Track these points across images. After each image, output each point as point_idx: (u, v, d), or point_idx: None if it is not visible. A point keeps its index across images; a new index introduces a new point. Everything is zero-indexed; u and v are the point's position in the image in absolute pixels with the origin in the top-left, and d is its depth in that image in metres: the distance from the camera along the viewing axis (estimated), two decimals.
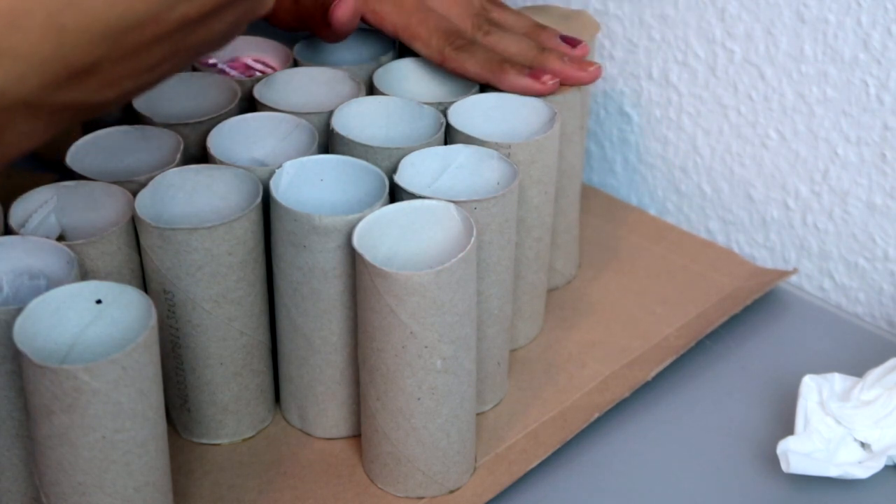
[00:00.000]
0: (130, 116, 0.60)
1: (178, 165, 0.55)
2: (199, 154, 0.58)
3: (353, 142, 0.56)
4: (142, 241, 0.52)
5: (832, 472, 0.53)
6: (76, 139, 0.57)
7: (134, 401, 0.44)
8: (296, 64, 0.65)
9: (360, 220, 0.50)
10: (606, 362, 0.61)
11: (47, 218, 0.52)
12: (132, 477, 0.45)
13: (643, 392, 0.60)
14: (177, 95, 0.61)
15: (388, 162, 0.55)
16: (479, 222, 0.52)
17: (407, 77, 0.63)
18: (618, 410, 0.59)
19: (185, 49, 0.40)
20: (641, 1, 0.73)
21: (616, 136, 0.79)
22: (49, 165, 0.65)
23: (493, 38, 0.62)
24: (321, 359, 0.55)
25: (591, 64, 0.61)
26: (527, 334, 0.63)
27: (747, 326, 0.65)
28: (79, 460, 0.44)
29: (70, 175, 0.54)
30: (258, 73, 0.65)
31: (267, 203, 0.53)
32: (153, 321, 0.44)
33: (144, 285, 0.53)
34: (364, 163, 0.54)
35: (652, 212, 0.78)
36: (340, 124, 0.57)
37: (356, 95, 0.61)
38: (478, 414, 0.57)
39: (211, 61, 0.66)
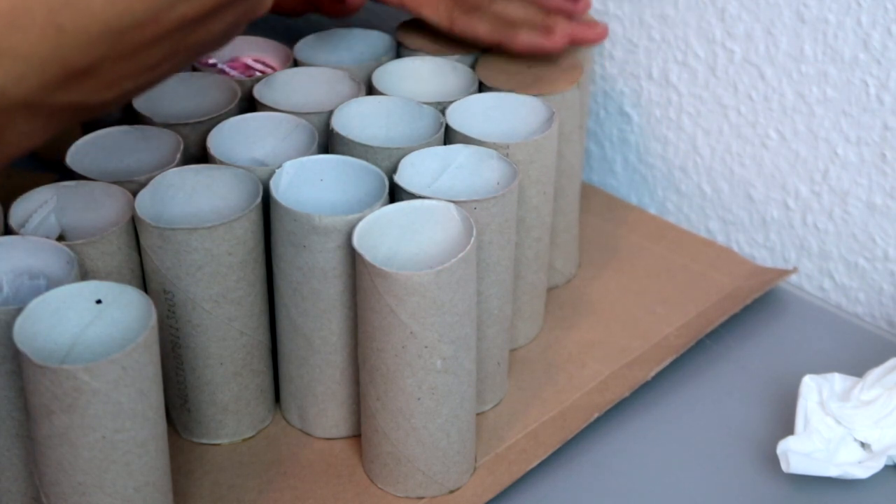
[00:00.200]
0: (130, 116, 0.60)
1: (178, 165, 0.55)
2: (199, 154, 0.58)
3: (353, 142, 0.56)
4: (142, 241, 0.52)
5: (832, 472, 0.53)
6: (76, 139, 0.57)
7: (134, 401, 0.44)
8: (296, 64, 0.65)
9: (359, 220, 0.50)
10: (606, 362, 0.61)
11: (47, 218, 0.52)
12: (132, 477, 0.45)
13: (643, 392, 0.60)
14: (177, 95, 0.61)
15: (388, 162, 0.55)
16: (479, 222, 0.52)
17: (406, 77, 0.63)
18: (618, 410, 0.59)
19: (185, 49, 0.40)
20: (641, 1, 0.73)
21: (616, 136, 0.79)
22: (49, 165, 0.65)
23: (499, 5, 0.63)
24: (321, 359, 0.55)
25: (598, 24, 0.63)
26: (527, 334, 0.63)
27: (747, 326, 0.65)
28: (79, 460, 0.44)
29: (70, 175, 0.54)
30: (258, 73, 0.65)
31: (267, 203, 0.53)
32: (153, 321, 0.44)
33: (144, 285, 0.53)
34: (364, 163, 0.54)
35: (652, 212, 0.78)
36: (340, 124, 0.57)
37: (356, 95, 0.61)
38: (478, 414, 0.57)
39: (211, 61, 0.66)
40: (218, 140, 0.57)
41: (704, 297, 0.66)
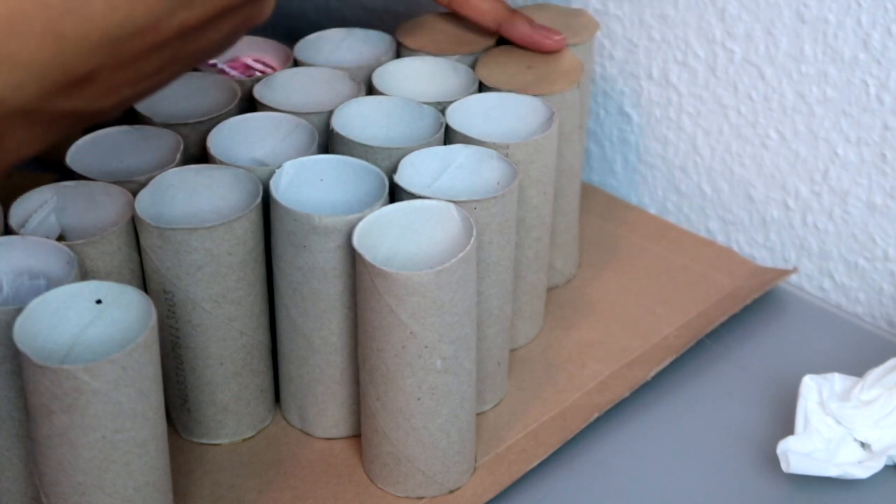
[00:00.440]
0: (130, 116, 0.60)
1: (178, 165, 0.55)
2: (199, 154, 0.58)
3: (353, 142, 0.56)
4: (142, 241, 0.52)
5: (832, 472, 0.53)
6: (76, 139, 0.57)
7: (134, 401, 0.44)
8: (296, 64, 0.65)
9: (359, 220, 0.50)
10: (606, 362, 0.61)
11: (47, 218, 0.52)
12: (132, 477, 0.45)
13: (643, 392, 0.60)
14: (177, 95, 0.61)
15: (388, 162, 0.55)
16: (479, 222, 0.52)
17: (407, 77, 0.63)
18: (618, 410, 0.59)
19: (184, 57, 0.40)
20: (641, 1, 0.73)
21: (616, 136, 0.79)
22: (49, 165, 0.65)
23: None
24: (321, 359, 0.55)
25: (557, 32, 0.64)
26: (527, 334, 0.63)
27: (747, 326, 0.65)
28: (79, 460, 0.44)
29: (70, 175, 0.54)
30: (258, 73, 0.65)
31: (267, 203, 0.53)
32: (153, 321, 0.44)
33: (144, 285, 0.53)
34: (364, 163, 0.54)
35: (652, 212, 0.78)
36: (340, 124, 0.57)
37: (356, 95, 0.61)
38: (478, 414, 0.57)
39: (211, 61, 0.66)
40: (218, 140, 0.57)
41: (704, 298, 0.66)
